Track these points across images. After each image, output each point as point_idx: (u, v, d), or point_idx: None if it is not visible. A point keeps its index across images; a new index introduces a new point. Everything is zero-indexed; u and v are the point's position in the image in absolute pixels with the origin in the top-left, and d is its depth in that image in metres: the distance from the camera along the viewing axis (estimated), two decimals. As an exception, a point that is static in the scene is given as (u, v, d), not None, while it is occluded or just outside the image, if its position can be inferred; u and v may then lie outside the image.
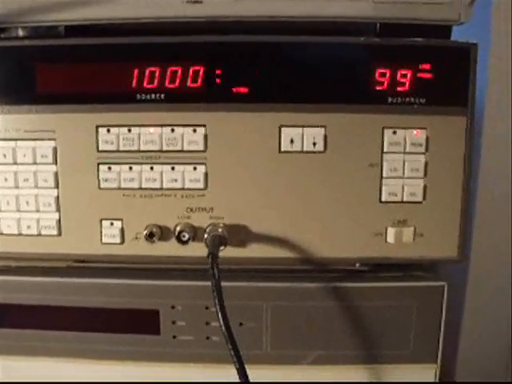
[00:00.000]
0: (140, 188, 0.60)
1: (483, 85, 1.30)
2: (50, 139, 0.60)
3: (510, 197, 1.24)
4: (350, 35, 0.60)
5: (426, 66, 0.59)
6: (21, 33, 0.62)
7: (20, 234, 0.62)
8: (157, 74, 0.59)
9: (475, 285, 1.36)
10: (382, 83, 0.59)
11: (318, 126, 0.59)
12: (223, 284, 0.57)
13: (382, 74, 0.59)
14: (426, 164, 0.60)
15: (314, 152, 0.60)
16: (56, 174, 0.60)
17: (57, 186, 0.61)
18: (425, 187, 0.61)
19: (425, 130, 0.60)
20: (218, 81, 0.59)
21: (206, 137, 0.59)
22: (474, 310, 1.36)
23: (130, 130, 0.59)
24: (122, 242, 0.61)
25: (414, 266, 0.64)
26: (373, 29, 0.61)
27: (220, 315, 0.54)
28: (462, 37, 0.61)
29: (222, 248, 0.59)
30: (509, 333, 1.26)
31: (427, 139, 0.60)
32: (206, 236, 0.59)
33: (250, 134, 0.59)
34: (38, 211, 0.61)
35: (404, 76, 0.59)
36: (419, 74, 0.59)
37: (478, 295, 1.34)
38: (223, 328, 0.53)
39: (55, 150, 0.60)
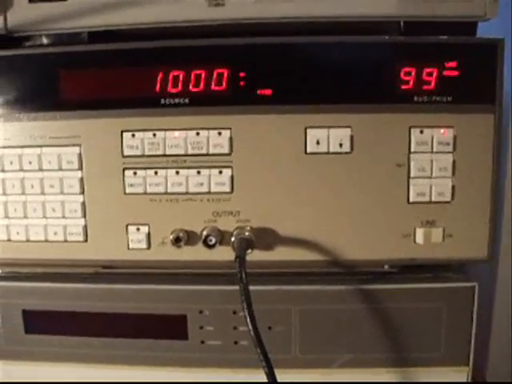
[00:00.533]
0: (166, 193, 0.60)
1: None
2: (74, 145, 0.60)
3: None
4: (374, 34, 0.59)
5: (452, 64, 0.58)
6: (45, 40, 0.62)
7: (47, 241, 0.61)
8: (181, 78, 0.58)
9: (505, 284, 1.34)
10: (407, 82, 0.58)
11: (343, 127, 0.59)
12: (251, 288, 0.57)
13: (408, 73, 0.58)
14: (454, 163, 0.59)
15: (340, 153, 0.59)
16: (81, 180, 0.60)
17: (82, 192, 0.60)
18: (453, 187, 0.59)
19: (452, 129, 0.59)
20: (242, 83, 0.58)
21: (231, 140, 0.59)
22: (504, 309, 1.34)
23: (154, 135, 0.59)
24: (149, 247, 0.61)
25: (443, 267, 0.63)
26: (397, 27, 0.60)
27: (248, 319, 0.53)
28: (487, 34, 0.60)
29: (249, 251, 0.58)
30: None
31: (455, 138, 0.59)
32: (232, 239, 0.59)
33: (275, 136, 0.59)
34: (64, 217, 0.61)
35: (430, 74, 0.58)
36: (445, 72, 0.58)
37: (507, 295, 1.32)
38: (252, 332, 0.53)
39: (80, 156, 0.60)
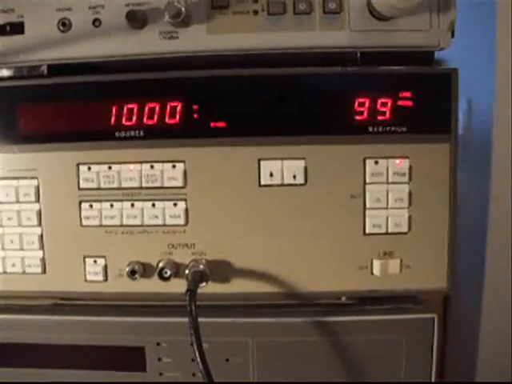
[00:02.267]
0: (121, 225, 0.59)
1: (490, 104, 1.28)
2: (32, 178, 0.59)
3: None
4: (332, 65, 0.58)
5: (407, 94, 0.57)
6: (5, 73, 0.61)
7: (5, 272, 0.60)
8: (135, 111, 0.57)
9: (492, 301, 1.32)
10: (361, 113, 0.57)
11: (297, 159, 0.57)
12: (208, 320, 0.57)
13: (362, 104, 0.57)
14: (410, 194, 0.58)
15: (294, 185, 0.58)
16: (39, 213, 0.59)
17: (40, 224, 0.60)
18: (409, 217, 0.58)
19: (407, 159, 0.57)
20: (195, 116, 0.57)
21: (185, 172, 0.58)
22: (490, 326, 1.31)
23: (110, 168, 0.58)
24: (106, 279, 0.60)
25: (403, 298, 0.61)
26: (355, 58, 0.59)
27: (197, 353, 0.52)
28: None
29: (203, 284, 0.57)
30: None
31: (410, 168, 0.57)
32: (186, 272, 0.57)
33: (229, 169, 0.58)
34: (22, 249, 0.60)
35: (384, 105, 0.57)
36: (399, 102, 0.57)
37: (494, 312, 1.30)
38: (201, 365, 0.51)
39: (37, 188, 0.59)
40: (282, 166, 0.57)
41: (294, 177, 0.57)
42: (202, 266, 0.58)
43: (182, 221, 0.58)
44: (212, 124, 0.57)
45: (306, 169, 0.57)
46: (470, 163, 1.47)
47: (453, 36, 0.59)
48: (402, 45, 0.57)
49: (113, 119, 0.58)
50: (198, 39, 0.57)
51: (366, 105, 0.57)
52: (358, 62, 0.59)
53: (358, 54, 0.59)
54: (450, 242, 0.59)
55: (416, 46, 0.57)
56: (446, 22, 0.57)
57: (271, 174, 0.57)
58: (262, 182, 0.58)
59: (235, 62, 0.58)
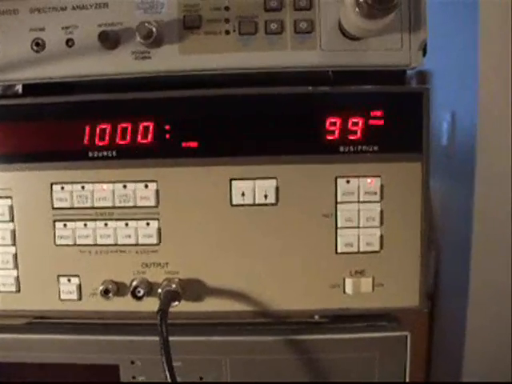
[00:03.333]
0: (95, 244, 0.58)
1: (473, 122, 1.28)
2: (6, 197, 0.58)
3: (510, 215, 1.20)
4: (307, 83, 0.57)
5: (378, 113, 0.56)
6: (-19, 93, 0.60)
7: (-21, 292, 0.59)
8: (107, 131, 0.56)
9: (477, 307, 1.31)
10: (332, 132, 0.56)
11: (268, 178, 0.56)
12: (182, 338, 0.56)
13: (333, 123, 0.56)
14: (382, 212, 0.57)
15: (265, 204, 0.57)
16: (13, 232, 0.58)
17: (14, 244, 0.59)
18: (381, 236, 0.57)
19: (379, 178, 0.56)
20: (167, 136, 0.56)
21: (157, 192, 0.57)
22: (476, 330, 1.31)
23: (83, 187, 0.57)
24: (80, 298, 0.59)
25: (377, 316, 0.60)
26: (328, 77, 0.58)
27: (168, 373, 0.51)
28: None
29: (175, 304, 0.56)
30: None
31: (382, 187, 0.57)
32: (159, 291, 0.56)
33: (201, 188, 0.57)
34: (-4, 269, 0.59)
35: (355, 124, 0.56)
36: (371, 122, 0.56)
37: (479, 318, 1.30)
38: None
39: (11, 208, 0.58)
40: (254, 186, 0.56)
41: (266, 196, 0.56)
42: (174, 286, 0.57)
43: (154, 240, 0.57)
44: (184, 144, 0.56)
45: (277, 188, 0.56)
46: (455, 174, 1.46)
47: (424, 55, 0.58)
48: (374, 64, 0.56)
49: (86, 139, 0.57)
50: (170, 59, 0.56)
51: (337, 124, 0.56)
52: (331, 82, 0.57)
53: (331, 74, 0.58)
54: (422, 260, 0.57)
55: (387, 66, 0.56)
56: (416, 41, 0.56)
57: (243, 194, 0.56)
58: (234, 202, 0.57)
59: (208, 82, 0.57)
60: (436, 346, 1.58)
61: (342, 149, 0.56)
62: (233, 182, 0.56)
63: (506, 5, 1.16)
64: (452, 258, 1.49)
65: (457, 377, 1.32)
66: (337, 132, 0.56)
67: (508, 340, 1.25)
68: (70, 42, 0.57)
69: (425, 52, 0.58)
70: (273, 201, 0.57)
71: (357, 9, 0.50)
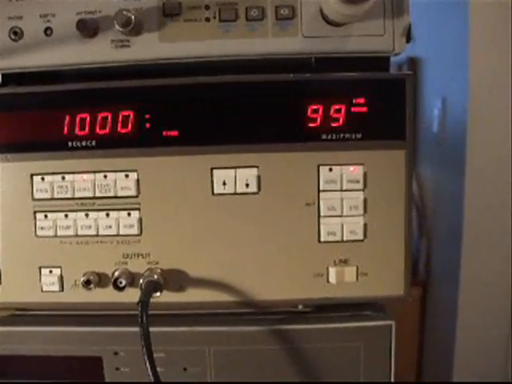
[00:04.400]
0: (76, 235, 0.56)
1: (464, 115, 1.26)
2: (-14, 189, 0.56)
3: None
4: (289, 70, 0.55)
5: (360, 100, 0.54)
6: (-39, 82, 0.58)
7: (-40, 284, 0.58)
8: (87, 121, 0.55)
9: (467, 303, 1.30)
10: (314, 120, 0.54)
11: (250, 167, 0.54)
12: (165, 329, 0.55)
13: (315, 111, 0.54)
14: (365, 201, 0.55)
15: (247, 193, 0.55)
16: (-6, 224, 0.57)
17: (-5, 236, 0.57)
18: (365, 225, 0.55)
19: (362, 166, 0.54)
20: (147, 125, 0.54)
21: (138, 182, 0.55)
22: (467, 326, 1.29)
23: (63, 178, 0.56)
24: (62, 289, 0.57)
25: (361, 305, 0.58)
26: (310, 64, 0.56)
27: (148, 364, 0.49)
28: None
29: (157, 294, 0.54)
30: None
31: (365, 175, 0.55)
32: (140, 282, 0.55)
33: (182, 178, 0.55)
34: (-23, 261, 0.57)
35: (338, 111, 0.54)
36: (353, 109, 0.54)
37: (470, 313, 1.28)
38: (152, 377, 0.49)
39: (-8, 199, 0.56)
40: (235, 175, 0.54)
41: (247, 185, 0.55)
42: (156, 276, 0.55)
43: (135, 230, 0.56)
44: (164, 133, 0.55)
45: (259, 177, 0.55)
46: (446, 160, 1.44)
47: (408, 41, 0.56)
48: (356, 50, 0.54)
49: (65, 129, 0.55)
50: (150, 47, 0.54)
51: (319, 111, 0.54)
52: (314, 69, 0.55)
53: (313, 60, 0.56)
54: (407, 248, 0.56)
55: (370, 52, 0.55)
56: (400, 27, 0.54)
57: (224, 183, 0.55)
58: (215, 191, 0.55)
59: (189, 70, 0.55)
60: (428, 333, 1.57)
61: (324, 136, 0.54)
62: (214, 170, 0.55)
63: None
64: (444, 244, 1.48)
65: (448, 365, 1.30)
66: (319, 119, 0.54)
67: (498, 327, 1.24)
68: (48, 31, 0.55)
69: (409, 38, 0.56)
70: (254, 189, 0.55)
71: (337, -7, 0.48)
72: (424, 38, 1.55)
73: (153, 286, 0.54)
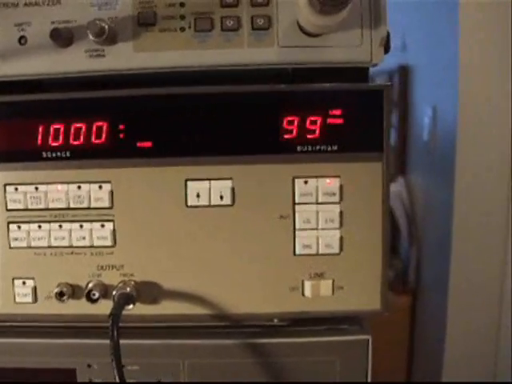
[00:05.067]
0: (50, 246, 0.55)
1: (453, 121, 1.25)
2: (-41, 199, 0.55)
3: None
4: (267, 81, 0.54)
5: (337, 112, 0.52)
6: None
7: None
8: (61, 131, 0.53)
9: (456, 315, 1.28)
10: (290, 131, 0.52)
11: (224, 179, 0.53)
12: (139, 342, 0.53)
13: (290, 122, 0.52)
14: (342, 214, 0.53)
15: (221, 205, 0.53)
16: (-33, 234, 0.55)
17: (-31, 246, 0.55)
18: (341, 238, 0.54)
19: (338, 179, 0.53)
20: (121, 136, 0.53)
21: (111, 193, 0.54)
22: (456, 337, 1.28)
23: (37, 189, 0.54)
24: (35, 300, 0.56)
25: (338, 319, 0.57)
26: (288, 74, 0.55)
27: (117, 376, 0.48)
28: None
29: (130, 307, 0.53)
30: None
31: (341, 188, 0.53)
32: (114, 294, 0.53)
33: (156, 189, 0.54)
34: (-49, 271, 0.56)
35: (313, 123, 0.52)
36: (329, 120, 0.53)
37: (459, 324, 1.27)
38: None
39: (-34, 209, 0.55)
40: (209, 187, 0.53)
41: (222, 197, 0.53)
42: (128, 288, 0.53)
43: (109, 242, 0.54)
44: (138, 144, 0.53)
45: (233, 189, 0.53)
46: (436, 169, 1.43)
47: (386, 52, 0.54)
48: (333, 61, 0.53)
49: (39, 139, 0.53)
50: (124, 57, 0.53)
51: (295, 123, 0.52)
52: (292, 79, 0.54)
53: (290, 71, 0.54)
54: (384, 262, 0.54)
55: (348, 62, 0.53)
56: (377, 38, 0.52)
57: (198, 195, 0.53)
58: (189, 203, 0.53)
59: (164, 80, 0.54)
60: (417, 342, 1.55)
61: (299, 148, 0.53)
62: (188, 182, 0.53)
63: (485, 1, 1.13)
64: (434, 253, 1.46)
65: (437, 374, 1.29)
66: (294, 131, 0.52)
67: (487, 335, 1.22)
68: (22, 40, 0.53)
69: (387, 49, 0.55)
70: (229, 202, 0.53)
71: (309, 5, 0.46)
72: (415, 47, 1.54)
73: (125, 299, 0.53)
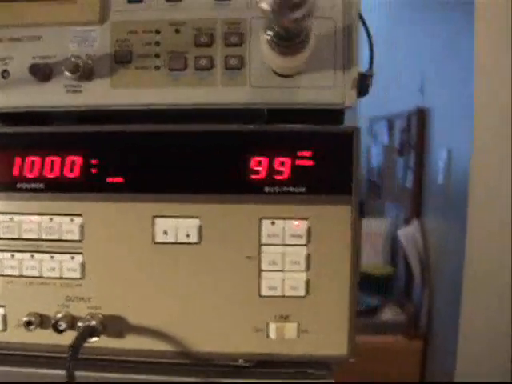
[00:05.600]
0: (21, 276, 0.55)
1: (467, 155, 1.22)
2: None
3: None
4: (242, 120, 0.54)
5: (306, 154, 0.52)
6: None
7: None
8: (36, 164, 0.54)
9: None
10: (258, 172, 0.52)
11: (192, 217, 0.53)
12: (102, 375, 0.52)
13: (258, 163, 0.52)
14: (309, 256, 0.52)
15: (188, 243, 0.53)
16: None
17: None
18: (307, 281, 0.53)
19: (306, 221, 0.52)
20: (93, 171, 0.53)
21: (82, 226, 0.54)
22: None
23: (11, 218, 0.55)
24: (5, 328, 0.56)
25: (306, 362, 0.55)
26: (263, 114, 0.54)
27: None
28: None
29: (93, 340, 0.52)
30: None
31: (309, 230, 0.52)
32: (78, 326, 0.53)
33: (125, 224, 0.54)
34: None
35: (282, 164, 0.52)
36: (298, 162, 0.52)
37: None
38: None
39: None
40: (177, 224, 0.53)
41: (188, 235, 0.53)
42: (94, 322, 0.53)
43: (78, 274, 0.54)
44: (109, 179, 0.53)
45: (200, 227, 0.53)
46: (450, 212, 1.39)
47: (362, 94, 0.53)
48: (305, 102, 0.52)
49: (15, 170, 0.54)
50: (101, 93, 0.54)
51: (263, 164, 0.52)
52: (266, 119, 0.54)
53: (265, 111, 0.54)
54: (351, 307, 0.53)
55: (320, 104, 0.52)
56: (349, 80, 0.51)
57: (165, 232, 0.53)
58: (157, 240, 0.53)
59: (141, 117, 0.54)
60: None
61: (267, 189, 0.52)
62: (156, 219, 0.53)
63: (500, 43, 1.11)
64: (446, 297, 1.42)
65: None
66: (262, 172, 0.52)
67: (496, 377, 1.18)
68: (5, 74, 0.55)
69: (362, 91, 0.54)
70: (195, 240, 0.53)
71: (270, 48, 0.46)
72: (432, 89, 1.52)
73: (89, 331, 0.53)
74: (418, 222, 1.59)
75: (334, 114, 0.54)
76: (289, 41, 0.45)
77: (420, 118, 1.56)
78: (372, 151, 2.45)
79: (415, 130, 1.60)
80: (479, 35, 1.19)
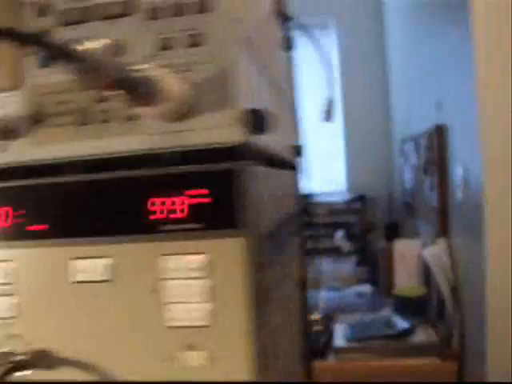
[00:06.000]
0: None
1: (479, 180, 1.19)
2: None
3: None
4: (148, 164, 0.58)
5: (199, 191, 0.55)
6: None
7: None
8: (-25, 216, 0.60)
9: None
10: (155, 212, 0.56)
11: (104, 257, 0.57)
12: None
13: (155, 203, 0.56)
14: (209, 288, 0.55)
15: (102, 281, 0.57)
16: None
17: None
18: (210, 311, 0.55)
19: (204, 255, 0.55)
20: (22, 220, 0.59)
21: (15, 271, 0.60)
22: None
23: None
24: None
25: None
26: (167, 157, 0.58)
27: None
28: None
29: (22, 373, 0.58)
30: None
31: (208, 264, 0.55)
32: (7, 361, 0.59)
33: (47, 267, 0.59)
34: None
35: (178, 203, 0.55)
36: (193, 200, 0.55)
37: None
38: None
39: None
40: (91, 264, 0.57)
41: (102, 274, 0.57)
42: (24, 356, 0.58)
43: (12, 313, 0.60)
44: (34, 227, 0.59)
45: (112, 266, 0.57)
46: (468, 230, 1.34)
47: (258, 130, 0.56)
48: (198, 143, 0.56)
49: (-47, 221, 0.61)
50: (22, 151, 0.60)
51: (160, 204, 0.55)
52: (169, 161, 0.58)
53: (168, 153, 0.58)
54: (255, 334, 0.55)
55: (213, 143, 0.56)
56: (233, 118, 0.55)
57: (81, 272, 0.58)
58: (74, 279, 0.58)
59: (58, 169, 0.60)
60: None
61: (165, 227, 0.56)
62: (72, 261, 0.58)
63: (504, 62, 1.09)
64: (475, 318, 1.36)
65: None
66: (158, 212, 0.56)
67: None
68: None
69: (257, 128, 0.57)
70: (108, 278, 0.57)
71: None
72: (450, 106, 1.49)
73: (18, 366, 0.58)
74: (445, 240, 1.55)
75: (231, 152, 0.57)
76: (131, 93, 0.49)
77: (439, 136, 1.53)
78: (404, 172, 2.41)
79: (436, 148, 1.56)
80: (480, 47, 1.17)
